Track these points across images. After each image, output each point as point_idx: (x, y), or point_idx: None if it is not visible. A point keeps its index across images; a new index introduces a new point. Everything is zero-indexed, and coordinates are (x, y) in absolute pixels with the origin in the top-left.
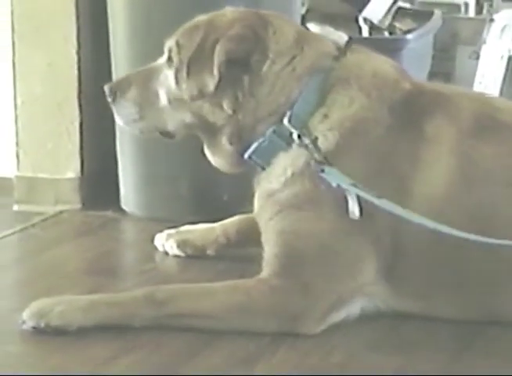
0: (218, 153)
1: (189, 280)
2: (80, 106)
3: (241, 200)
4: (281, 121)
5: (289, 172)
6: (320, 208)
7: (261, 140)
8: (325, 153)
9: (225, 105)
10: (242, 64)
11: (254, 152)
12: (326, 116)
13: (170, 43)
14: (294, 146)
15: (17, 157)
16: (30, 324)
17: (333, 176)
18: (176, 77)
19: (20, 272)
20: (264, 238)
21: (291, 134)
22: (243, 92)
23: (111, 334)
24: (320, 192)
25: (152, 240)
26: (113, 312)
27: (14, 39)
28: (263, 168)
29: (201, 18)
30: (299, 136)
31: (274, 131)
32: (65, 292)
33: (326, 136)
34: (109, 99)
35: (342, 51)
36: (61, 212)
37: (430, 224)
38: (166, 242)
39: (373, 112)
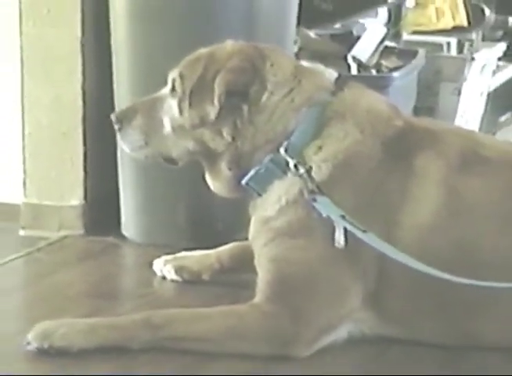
0: (217, 178)
1: (186, 304)
2: (84, 136)
3: (235, 228)
4: (278, 149)
5: (283, 200)
6: (312, 237)
7: (258, 168)
8: (318, 183)
9: (225, 132)
10: (241, 94)
11: (251, 178)
12: (320, 148)
13: (173, 74)
14: (289, 174)
15: (24, 184)
16: (34, 345)
17: (324, 206)
18: (179, 107)
19: (25, 295)
20: (257, 263)
21: (287, 163)
22: (242, 121)
23: (110, 356)
24: (312, 220)
25: (150, 265)
26: (113, 334)
27: (23, 73)
28: (259, 195)
29: (203, 51)
30: (295, 165)
31: (271, 160)
32: (67, 314)
33: (320, 167)
34: (116, 127)
35: (339, 86)
36: (65, 237)
37: (413, 263)
38: (164, 267)
39: (366, 147)
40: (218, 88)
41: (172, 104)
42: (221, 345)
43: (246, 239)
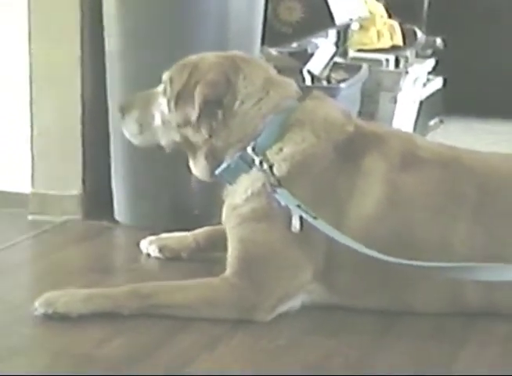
0: (197, 165)
1: (167, 277)
2: (82, 137)
3: (209, 214)
4: (246, 148)
5: (249, 191)
6: (272, 222)
7: (229, 162)
8: (278, 177)
9: (203, 131)
10: (216, 103)
11: (223, 170)
12: (281, 149)
13: (165, 76)
14: (254, 169)
15: (32, 177)
16: (40, 311)
17: (283, 197)
18: (168, 105)
19: (33, 270)
20: (228, 244)
21: (253, 160)
22: (217, 123)
23: (105, 320)
24: (273, 208)
25: (138, 245)
26: (106, 303)
27: (31, 84)
28: (230, 183)
29: (191, 58)
30: (260, 162)
31: (240, 156)
32: (68, 286)
33: (280, 165)
34: (119, 116)
35: (302, 97)
36: (66, 222)
37: (354, 245)
38: (149, 246)
39: (320, 149)
40: (197, 97)
41: (163, 102)
42: (197, 311)
43: (219, 223)
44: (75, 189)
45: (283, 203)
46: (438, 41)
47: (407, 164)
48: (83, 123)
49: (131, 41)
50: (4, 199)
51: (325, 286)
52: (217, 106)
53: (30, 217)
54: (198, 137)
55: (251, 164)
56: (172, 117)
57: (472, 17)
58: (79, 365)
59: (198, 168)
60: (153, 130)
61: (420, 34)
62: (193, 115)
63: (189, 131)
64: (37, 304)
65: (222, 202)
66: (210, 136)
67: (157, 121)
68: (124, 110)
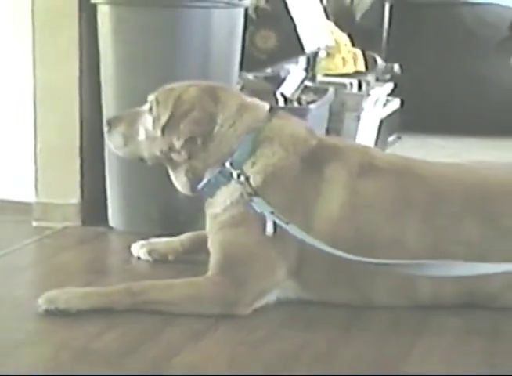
0: (178, 180)
1: (156, 277)
2: (80, 151)
3: (193, 220)
4: (224, 164)
5: (228, 201)
6: (249, 226)
7: (209, 177)
8: (254, 188)
9: (183, 154)
10: (199, 134)
11: (204, 185)
12: (254, 163)
13: (151, 97)
14: (232, 182)
15: (36, 187)
16: (43, 307)
17: (259, 205)
18: (153, 123)
19: (36, 271)
20: (210, 246)
21: (231, 174)
22: (197, 148)
23: (99, 316)
24: (249, 215)
25: (130, 249)
26: (102, 299)
27: (36, 104)
28: (210, 197)
29: (173, 86)
30: (238, 175)
31: (219, 172)
32: (68, 285)
33: (255, 177)
34: (105, 130)
35: (269, 117)
36: (66, 227)
37: (320, 246)
38: (140, 250)
39: (289, 162)
40: (183, 133)
41: (147, 119)
42: (183, 307)
43: (203, 228)
44: (74, 198)
45: (258, 210)
46: (396, 67)
47: (365, 172)
48: (81, 139)
49: (123, 67)
50: (11, 207)
51: (297, 282)
52: (198, 135)
53: (34, 223)
54: (179, 158)
55: (229, 177)
56: (156, 135)
57: (425, 46)
58: (78, 356)
59: (179, 182)
60: (136, 144)
61: (379, 60)
62: (177, 145)
63: (171, 154)
64: (40, 301)
65: (204, 212)
66: (190, 158)
67: (141, 135)
68: (110, 124)
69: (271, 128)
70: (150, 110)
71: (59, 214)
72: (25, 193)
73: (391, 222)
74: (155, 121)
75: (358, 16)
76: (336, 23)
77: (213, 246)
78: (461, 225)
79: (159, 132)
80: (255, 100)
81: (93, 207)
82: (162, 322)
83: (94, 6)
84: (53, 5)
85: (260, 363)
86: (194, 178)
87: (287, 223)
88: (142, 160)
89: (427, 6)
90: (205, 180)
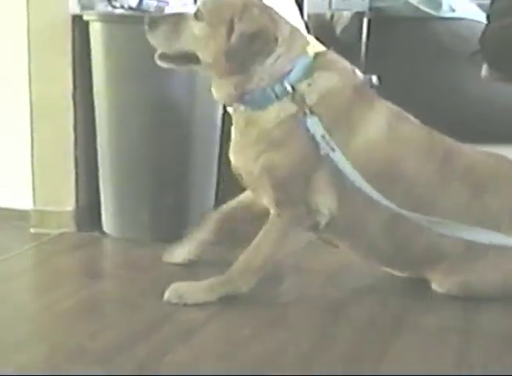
0: (223, 89)
1: (150, 280)
2: (75, 161)
3: (180, 227)
4: (281, 82)
5: (282, 116)
6: (299, 145)
7: (265, 89)
8: (310, 106)
9: (242, 64)
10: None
11: (259, 94)
12: (310, 84)
13: (203, 6)
14: (286, 99)
15: (33, 196)
16: (173, 302)
17: (312, 124)
18: (205, 32)
19: (35, 274)
20: (254, 171)
21: (287, 90)
22: (256, 62)
23: (94, 316)
24: (300, 134)
25: (124, 253)
26: (226, 287)
27: (32, 117)
28: (261, 109)
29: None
30: (293, 93)
31: (276, 87)
32: (64, 287)
33: (309, 96)
34: (146, 28)
35: (324, 50)
36: (62, 234)
37: (362, 183)
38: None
39: (343, 87)
40: (249, 47)
41: (196, 25)
42: (284, 245)
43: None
44: (69, 205)
45: (311, 130)
46: (374, 78)
47: (402, 118)
48: (75, 149)
49: (115, 81)
50: (9, 215)
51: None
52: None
53: (31, 230)
54: (233, 68)
55: (284, 93)
56: (208, 43)
57: (401, 58)
58: (73, 356)
59: (223, 92)
60: (181, 46)
61: (358, 72)
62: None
63: (227, 61)
64: (166, 297)
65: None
66: (246, 69)
67: (188, 40)
68: (150, 25)
69: (326, 58)
70: (198, 18)
71: (56, 221)
72: (23, 202)
73: (415, 161)
74: (210, 34)
75: (338, 30)
76: (317, 38)
77: (261, 173)
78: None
79: (216, 44)
80: (297, 28)
81: (87, 214)
82: (154, 321)
83: (86, 23)
84: (48, 23)
85: (246, 360)
86: (242, 91)
87: (333, 150)
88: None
89: (404, 21)
90: (260, 90)
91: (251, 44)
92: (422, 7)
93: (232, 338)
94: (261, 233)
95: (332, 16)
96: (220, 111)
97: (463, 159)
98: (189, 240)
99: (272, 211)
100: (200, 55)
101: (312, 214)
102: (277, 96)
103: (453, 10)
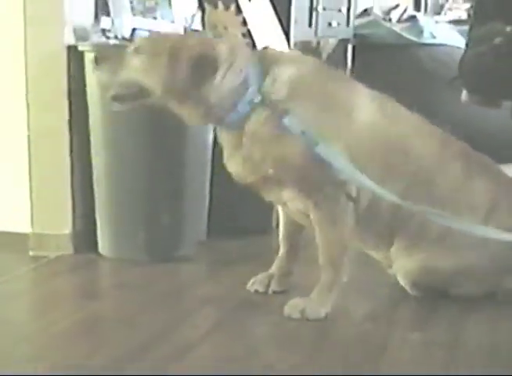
0: (190, 114)
1: (143, 300)
2: (72, 186)
3: (175, 247)
4: (245, 93)
5: (261, 120)
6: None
7: (238, 108)
8: (280, 102)
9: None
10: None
11: (233, 117)
12: (274, 80)
13: (140, 41)
14: (260, 108)
15: (32, 220)
16: (295, 317)
17: (290, 123)
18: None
19: (34, 295)
20: (272, 181)
21: (255, 101)
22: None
23: (91, 336)
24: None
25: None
26: (332, 293)
27: (30, 144)
28: (240, 128)
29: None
30: (262, 99)
31: (244, 102)
32: (62, 307)
33: (279, 92)
34: (94, 65)
35: (264, 49)
36: (60, 256)
37: (355, 173)
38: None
39: (303, 70)
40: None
41: (134, 59)
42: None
43: (185, 255)
44: (67, 229)
45: (291, 130)
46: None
47: (390, 100)
48: (72, 174)
49: (109, 109)
50: (9, 238)
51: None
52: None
53: (30, 252)
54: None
55: (256, 104)
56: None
57: (385, 83)
58: (72, 373)
59: (188, 116)
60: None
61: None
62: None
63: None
64: (287, 312)
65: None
66: (197, 92)
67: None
68: (97, 62)
69: (271, 54)
70: (137, 53)
71: (53, 243)
72: (22, 225)
73: (418, 140)
74: (150, 64)
75: (324, 56)
76: None
77: (277, 171)
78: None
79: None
80: (235, 41)
81: (84, 236)
82: (150, 339)
83: (81, 53)
84: (44, 53)
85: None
86: (208, 112)
87: (317, 144)
88: (143, 94)
89: (387, 47)
90: (233, 112)
91: (193, 69)
92: (404, 34)
93: (225, 357)
94: (317, 231)
95: (318, 43)
96: (211, 134)
97: (457, 144)
98: (270, 272)
99: (308, 203)
100: (146, 85)
101: (341, 188)
102: (250, 110)
103: (434, 37)
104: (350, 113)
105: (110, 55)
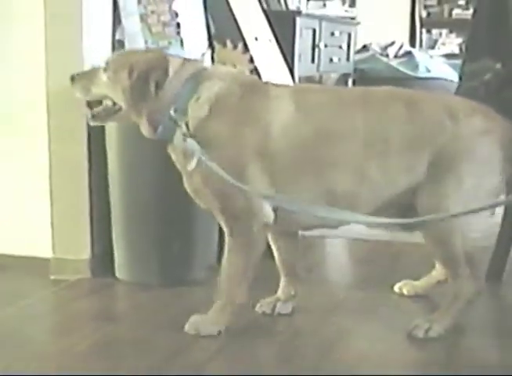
0: (143, 127)
1: (158, 322)
2: (90, 214)
3: (186, 272)
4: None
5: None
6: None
7: (166, 120)
8: (200, 122)
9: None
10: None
11: (162, 131)
12: (198, 97)
13: (108, 60)
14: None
15: (53, 245)
16: (191, 333)
17: (191, 145)
18: (111, 80)
19: (54, 317)
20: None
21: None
22: (151, 94)
23: (103, 360)
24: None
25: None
26: (228, 318)
27: (51, 176)
28: (170, 141)
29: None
30: (175, 120)
31: (170, 118)
32: (82, 328)
33: (201, 108)
34: (71, 83)
35: (204, 67)
36: (79, 280)
37: (240, 185)
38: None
39: (229, 88)
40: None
41: (103, 76)
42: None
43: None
44: (85, 254)
45: (190, 150)
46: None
47: (305, 90)
48: (91, 203)
49: (125, 143)
50: (32, 262)
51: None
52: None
53: (51, 276)
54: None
55: (177, 120)
56: (115, 88)
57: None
58: None
59: (144, 129)
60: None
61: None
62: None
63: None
64: (186, 328)
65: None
66: (147, 103)
67: (97, 86)
68: (74, 80)
69: (209, 70)
70: (105, 70)
71: (73, 268)
72: (44, 251)
73: (337, 122)
74: (115, 79)
75: None
76: None
77: (204, 190)
78: None
79: (120, 85)
80: (193, 61)
81: (102, 261)
82: (164, 358)
83: None
84: (64, 85)
85: None
86: (152, 124)
87: (211, 162)
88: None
89: (385, 81)
90: (161, 127)
91: (145, 81)
92: (401, 68)
93: (236, 373)
94: (225, 255)
95: (320, 78)
96: None
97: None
98: (277, 295)
99: (225, 232)
100: (113, 98)
101: (255, 218)
102: (174, 126)
103: (429, 71)
104: (269, 123)
105: (85, 73)
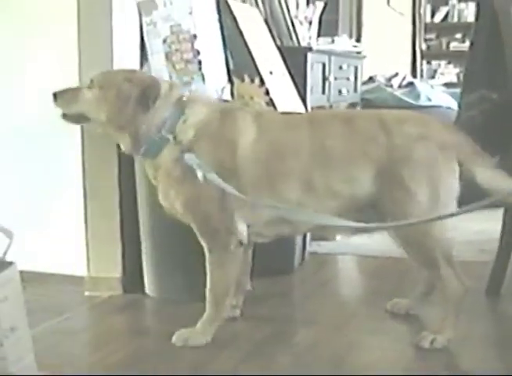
0: (124, 143)
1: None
2: (122, 237)
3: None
4: (161, 130)
5: (172, 157)
6: (194, 179)
7: (154, 138)
8: (187, 142)
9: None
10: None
11: (149, 145)
12: (185, 120)
13: (93, 77)
14: (170, 143)
15: (87, 264)
16: (179, 345)
17: (189, 159)
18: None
19: (89, 332)
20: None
21: (167, 137)
22: (140, 115)
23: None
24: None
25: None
26: (213, 327)
27: (86, 204)
28: (153, 158)
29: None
30: (174, 138)
31: (159, 137)
32: (115, 341)
33: (187, 132)
34: (53, 100)
35: (187, 95)
36: (111, 296)
37: (237, 194)
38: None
39: (212, 115)
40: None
41: (87, 93)
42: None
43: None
44: (117, 272)
45: (188, 163)
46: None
47: (265, 112)
48: (122, 226)
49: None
50: (68, 280)
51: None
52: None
53: (86, 293)
54: (124, 122)
55: (166, 139)
56: (100, 107)
57: None
58: None
59: (124, 145)
60: (80, 111)
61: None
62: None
63: (118, 119)
64: (174, 340)
65: None
66: (134, 122)
67: (80, 104)
68: (56, 98)
69: (192, 97)
70: (90, 87)
71: (106, 285)
72: (79, 269)
73: (286, 146)
74: (101, 97)
75: None
76: None
77: (183, 210)
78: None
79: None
80: (176, 84)
81: (132, 279)
82: (191, 368)
83: None
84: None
85: None
86: (137, 141)
87: (209, 173)
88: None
89: (389, 109)
90: (147, 144)
91: (136, 100)
92: (404, 98)
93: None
94: (207, 271)
95: (331, 107)
96: None
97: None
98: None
99: (204, 247)
100: (93, 115)
101: (233, 235)
102: (162, 142)
103: (430, 100)
104: (236, 145)
105: (67, 90)
